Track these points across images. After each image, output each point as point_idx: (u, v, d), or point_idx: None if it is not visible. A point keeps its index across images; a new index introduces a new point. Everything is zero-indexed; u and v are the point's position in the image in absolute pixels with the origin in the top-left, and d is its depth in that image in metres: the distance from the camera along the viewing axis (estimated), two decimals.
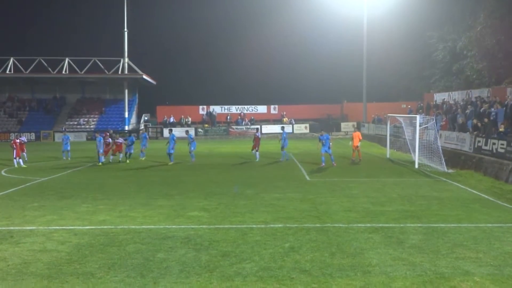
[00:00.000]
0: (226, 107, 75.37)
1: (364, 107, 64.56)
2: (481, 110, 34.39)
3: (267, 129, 68.85)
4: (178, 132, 52.76)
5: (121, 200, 20.47)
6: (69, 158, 38.09)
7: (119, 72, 71.35)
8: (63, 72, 69.76)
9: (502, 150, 27.13)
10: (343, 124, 71.12)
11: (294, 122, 71.43)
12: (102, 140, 34.53)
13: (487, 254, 12.59)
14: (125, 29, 71.56)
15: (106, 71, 70.70)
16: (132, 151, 36.85)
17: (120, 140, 36.41)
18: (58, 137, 60.68)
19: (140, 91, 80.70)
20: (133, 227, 15.65)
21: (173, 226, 15.66)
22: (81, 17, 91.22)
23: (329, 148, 31.39)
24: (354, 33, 68.12)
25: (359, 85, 65.38)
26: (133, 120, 75.80)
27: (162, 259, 12.32)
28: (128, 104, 73.24)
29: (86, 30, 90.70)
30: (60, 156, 38.91)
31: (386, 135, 38.34)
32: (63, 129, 63.47)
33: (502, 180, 25.31)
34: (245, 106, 75.69)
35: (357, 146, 34.05)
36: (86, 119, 71.76)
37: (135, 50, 74.82)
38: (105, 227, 15.70)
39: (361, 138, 34.98)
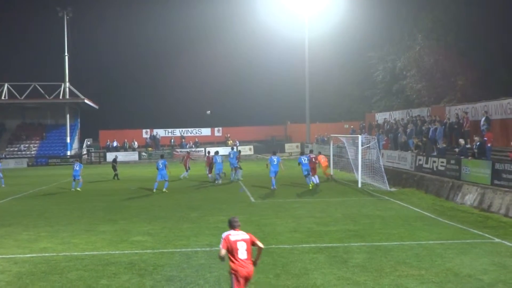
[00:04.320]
0: (169, 130, 75.18)
1: (308, 128, 65.20)
2: (422, 129, 35.16)
3: (212, 152, 68.56)
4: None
5: (63, 226, 20.05)
6: (2, 185, 36.72)
7: (60, 97, 70.35)
8: (3, 98, 68.25)
9: (442, 168, 27.77)
10: (287, 145, 71.52)
11: (238, 144, 71.54)
12: (82, 167, 33.40)
13: (429, 271, 12.81)
14: (66, 54, 70.76)
15: (46, 96, 69.56)
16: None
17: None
18: None
19: (82, 115, 79.50)
20: (75, 253, 15.35)
21: (117, 252, 15.43)
22: (21, 42, 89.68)
23: (275, 172, 31.00)
24: (296, 54, 68.81)
25: (302, 106, 66.09)
26: (76, 145, 74.59)
27: (105, 285, 12.13)
28: (70, 129, 72.12)
29: (25, 55, 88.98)
30: None
31: (329, 155, 38.72)
32: (3, 156, 62.15)
33: (443, 197, 25.88)
34: (189, 129, 75.63)
35: (327, 166, 35.71)
36: (27, 145, 70.20)
37: (76, 75, 74.05)
38: (46, 254, 15.35)
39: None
